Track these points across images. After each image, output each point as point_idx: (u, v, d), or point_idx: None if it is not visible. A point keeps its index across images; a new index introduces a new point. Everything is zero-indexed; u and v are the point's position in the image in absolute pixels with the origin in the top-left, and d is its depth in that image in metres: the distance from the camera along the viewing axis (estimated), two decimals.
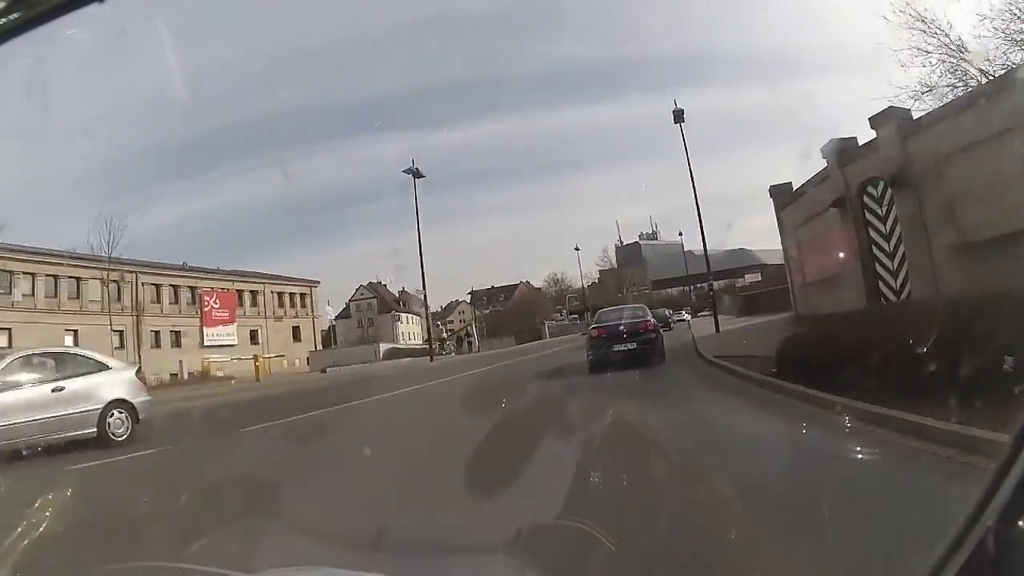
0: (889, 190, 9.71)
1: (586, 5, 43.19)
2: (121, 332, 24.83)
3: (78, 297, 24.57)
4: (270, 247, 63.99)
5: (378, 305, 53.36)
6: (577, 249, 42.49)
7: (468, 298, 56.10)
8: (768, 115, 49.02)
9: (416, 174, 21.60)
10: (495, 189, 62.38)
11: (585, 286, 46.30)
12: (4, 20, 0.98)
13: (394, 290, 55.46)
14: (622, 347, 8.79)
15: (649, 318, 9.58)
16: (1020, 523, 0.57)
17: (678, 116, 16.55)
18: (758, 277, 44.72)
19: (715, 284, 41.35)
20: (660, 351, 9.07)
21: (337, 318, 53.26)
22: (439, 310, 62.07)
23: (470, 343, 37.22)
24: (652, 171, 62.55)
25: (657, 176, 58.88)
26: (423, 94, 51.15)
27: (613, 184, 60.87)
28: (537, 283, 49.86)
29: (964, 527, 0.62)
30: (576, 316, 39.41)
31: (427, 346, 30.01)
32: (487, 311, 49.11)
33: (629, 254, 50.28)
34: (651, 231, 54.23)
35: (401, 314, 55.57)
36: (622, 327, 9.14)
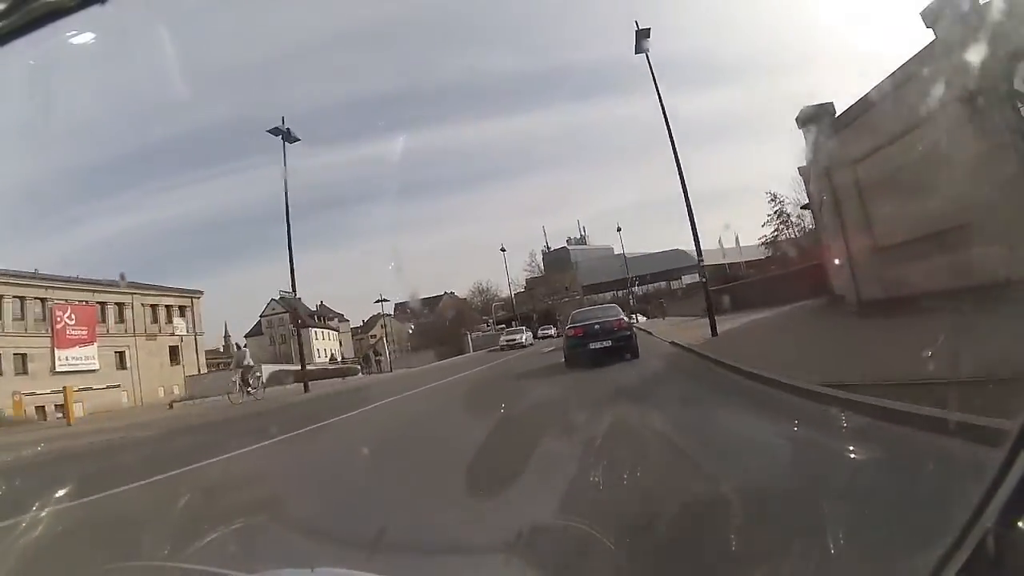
0: None
1: (505, 20, 44.77)
2: None
3: None
4: (182, 264, 55.91)
5: (291, 320, 48.97)
6: (503, 250, 41.16)
7: (392, 311, 53.60)
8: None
9: (287, 136, 15.08)
10: (421, 201, 60.94)
11: (512, 294, 44.77)
12: None
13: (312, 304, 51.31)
14: (599, 344, 9.12)
15: (623, 316, 9.89)
16: (1020, 523, 0.59)
17: (641, 39, 11.64)
18: (696, 278, 47.81)
19: (646, 287, 40.43)
20: (634, 348, 9.34)
21: (249, 336, 48.96)
22: (361, 324, 58.79)
23: (379, 361, 31.90)
24: (580, 179, 64.89)
25: (584, 183, 61.31)
26: (339, 104, 49.01)
27: (539, 193, 62.22)
28: (465, 293, 48.54)
29: (964, 527, 0.63)
30: (503, 325, 37.41)
31: (345, 363, 27.58)
32: (412, 324, 46.89)
33: (557, 260, 48.85)
34: (579, 236, 53.43)
35: (316, 330, 51.32)
36: (598, 326, 9.40)
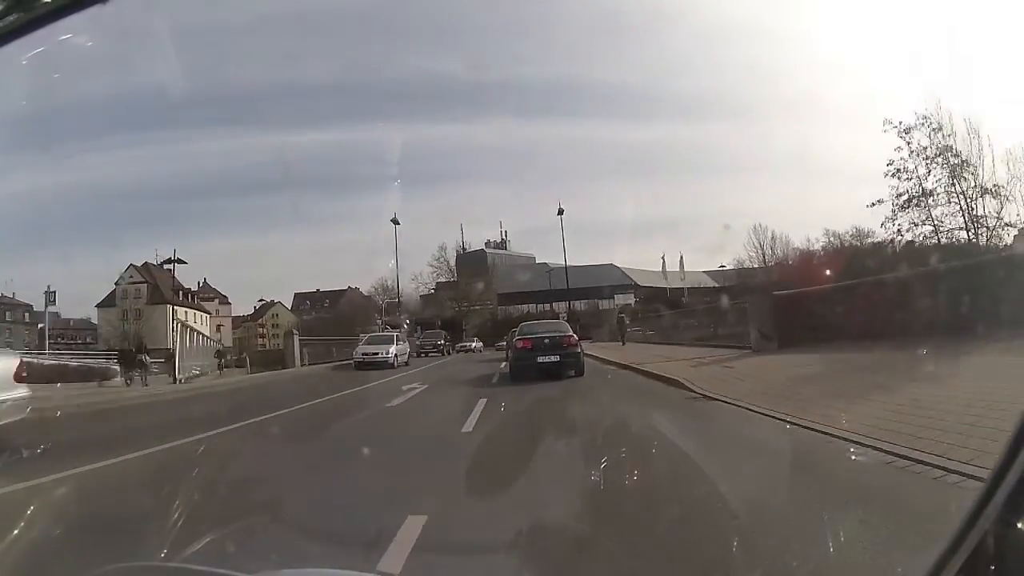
0: None
1: (462, 25, 44.88)
2: None
3: None
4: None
5: (150, 294, 41.32)
6: (396, 222, 29.42)
7: (289, 301, 47.95)
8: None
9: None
10: (347, 196, 56.83)
11: (419, 295, 40.07)
12: None
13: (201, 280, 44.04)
14: (546, 358, 9.20)
15: (571, 333, 9.94)
16: (1019, 524, 0.59)
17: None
18: (630, 299, 40.89)
19: (569, 305, 31.93)
20: (580, 366, 9.44)
21: (101, 306, 40.67)
22: (252, 310, 51.73)
23: (142, 363, 14.24)
24: (510, 193, 63.40)
25: (515, 198, 59.77)
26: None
27: (466, 202, 60.33)
28: (367, 291, 42.42)
29: (963, 527, 0.63)
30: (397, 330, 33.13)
31: (109, 362, 15.42)
32: (307, 317, 41.70)
33: (472, 262, 43.24)
34: (500, 239, 47.33)
35: (182, 309, 43.74)
36: (547, 340, 9.48)
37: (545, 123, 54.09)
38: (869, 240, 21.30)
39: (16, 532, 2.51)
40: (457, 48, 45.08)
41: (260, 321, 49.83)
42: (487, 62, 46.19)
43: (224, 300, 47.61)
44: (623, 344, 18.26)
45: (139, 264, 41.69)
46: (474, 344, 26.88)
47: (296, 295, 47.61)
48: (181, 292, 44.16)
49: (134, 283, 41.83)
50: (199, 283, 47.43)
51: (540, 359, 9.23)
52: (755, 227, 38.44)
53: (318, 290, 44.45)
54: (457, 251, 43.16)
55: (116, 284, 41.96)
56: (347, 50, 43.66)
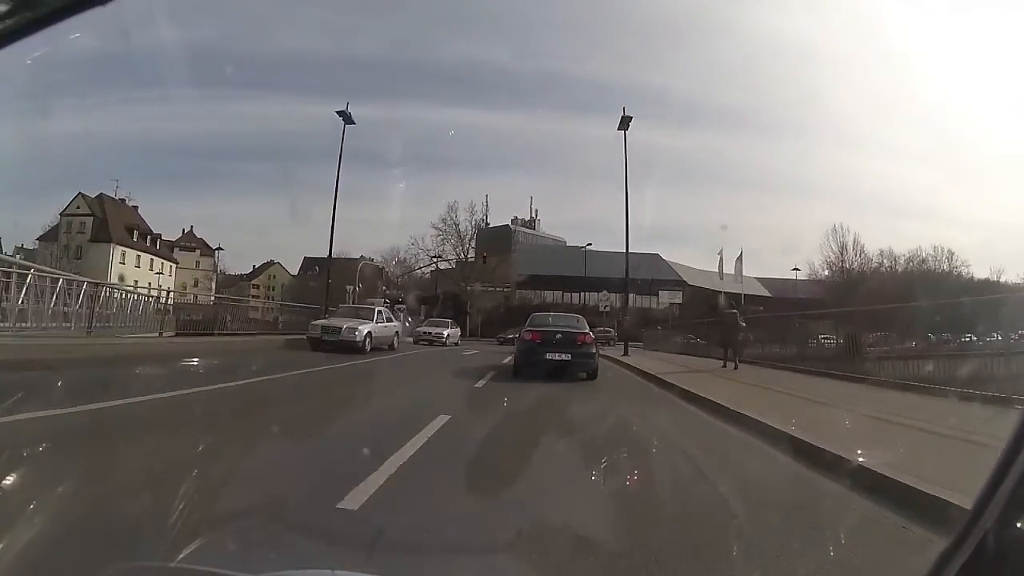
0: None
1: (510, 17, 44.42)
2: None
3: None
4: None
5: (94, 229, 37.76)
6: (345, 117, 19.21)
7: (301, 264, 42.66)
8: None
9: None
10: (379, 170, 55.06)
11: (427, 271, 34.46)
12: None
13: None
14: (556, 356, 8.22)
15: (587, 330, 8.89)
16: (1019, 524, 0.59)
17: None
18: (677, 298, 35.55)
19: (627, 300, 21.77)
20: (594, 369, 8.50)
21: (42, 239, 36.45)
22: (251, 269, 48.61)
23: None
24: (549, 187, 59.67)
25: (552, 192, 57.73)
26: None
27: (502, 191, 58.17)
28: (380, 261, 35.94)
29: (964, 527, 0.63)
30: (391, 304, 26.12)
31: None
32: (314, 283, 35.72)
33: (496, 239, 36.14)
34: (530, 217, 41.46)
35: (133, 251, 40.32)
36: (559, 335, 8.51)
37: (582, 120, 53.63)
38: None
39: None
40: (504, 38, 44.68)
41: (254, 282, 46.90)
42: (533, 53, 45.86)
43: (205, 249, 43.00)
44: (735, 366, 10.44)
45: (93, 196, 37.02)
46: (446, 332, 19.53)
47: (305, 259, 42.56)
48: (147, 236, 40.83)
49: (79, 215, 36.87)
50: (184, 230, 43.36)
51: (549, 356, 8.21)
52: (834, 228, 32.84)
53: (329, 255, 40.68)
54: (478, 224, 35.48)
55: (61, 215, 38.46)
56: (395, 28, 42.55)
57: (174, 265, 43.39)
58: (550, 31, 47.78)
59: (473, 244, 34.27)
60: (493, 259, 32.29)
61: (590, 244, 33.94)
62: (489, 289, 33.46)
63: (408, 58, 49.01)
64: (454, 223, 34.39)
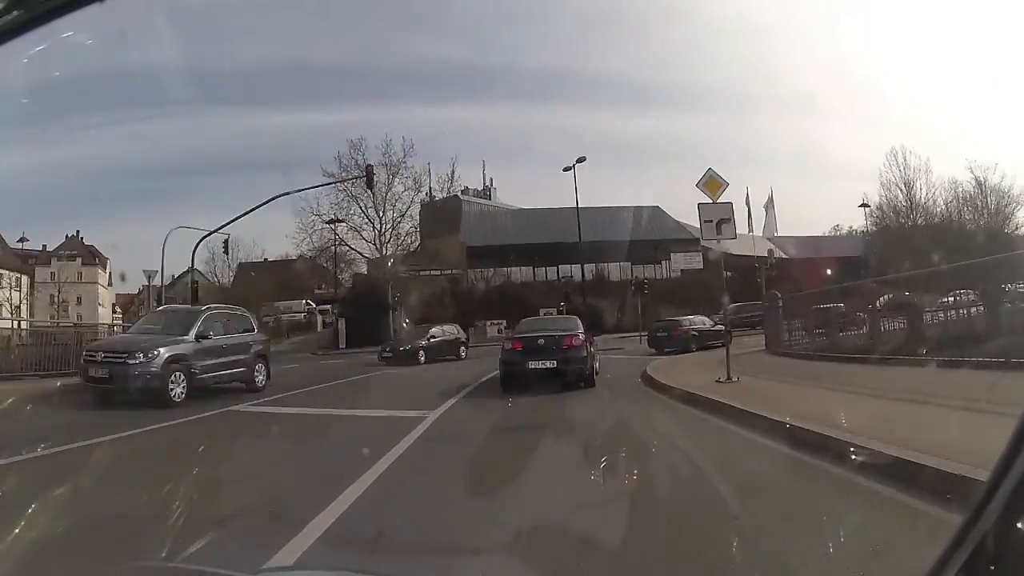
0: None
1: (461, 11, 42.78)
2: None
3: None
4: None
5: None
6: None
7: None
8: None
9: None
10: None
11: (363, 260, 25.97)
12: None
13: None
14: (538, 363, 7.52)
15: (578, 331, 8.10)
16: (1019, 524, 0.59)
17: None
18: (697, 261, 22.03)
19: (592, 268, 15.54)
20: (588, 375, 7.72)
21: None
22: (171, 279, 43.09)
23: None
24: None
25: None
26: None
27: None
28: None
29: (964, 527, 0.63)
30: (313, 307, 20.71)
31: None
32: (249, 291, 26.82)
33: (443, 215, 27.11)
34: (483, 187, 31.16)
35: None
36: (542, 340, 7.80)
37: (538, 110, 52.26)
38: None
39: None
40: (455, 34, 42.07)
41: (170, 295, 40.68)
42: (484, 48, 44.02)
43: (91, 262, 33.91)
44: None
45: None
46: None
47: (240, 265, 36.96)
48: None
49: None
50: (68, 236, 32.60)
51: (532, 364, 7.53)
52: (892, 151, 20.99)
53: (265, 259, 29.97)
54: (422, 201, 26.27)
55: None
56: (346, 32, 40.03)
57: (25, 277, 31.06)
58: (499, 26, 45.90)
59: (397, 207, 24.61)
60: (445, 241, 24.85)
61: (583, 159, 22.51)
62: (424, 274, 24.07)
63: (358, 61, 46.27)
64: (357, 163, 22.25)
